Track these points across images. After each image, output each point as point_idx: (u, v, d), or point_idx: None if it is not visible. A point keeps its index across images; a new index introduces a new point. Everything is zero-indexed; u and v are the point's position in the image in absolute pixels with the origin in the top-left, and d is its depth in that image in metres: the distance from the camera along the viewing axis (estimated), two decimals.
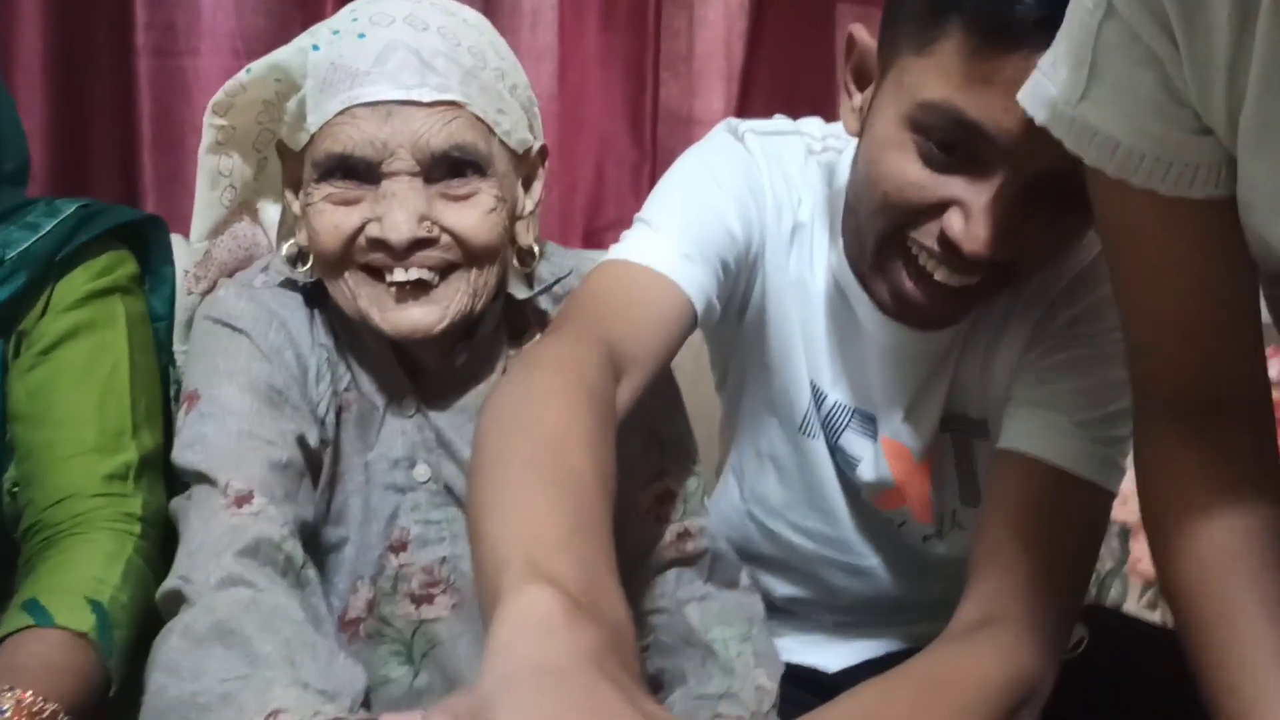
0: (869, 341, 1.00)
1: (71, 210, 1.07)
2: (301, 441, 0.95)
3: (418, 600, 1.00)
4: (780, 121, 1.05)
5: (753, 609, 1.04)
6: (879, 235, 0.89)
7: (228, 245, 1.06)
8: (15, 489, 1.03)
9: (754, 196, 0.98)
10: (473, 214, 0.93)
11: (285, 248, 1.01)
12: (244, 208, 1.07)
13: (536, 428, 0.69)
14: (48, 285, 1.04)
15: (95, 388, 1.04)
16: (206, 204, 1.04)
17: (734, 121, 1.04)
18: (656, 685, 1.01)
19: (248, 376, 0.95)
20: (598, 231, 1.81)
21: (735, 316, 1.04)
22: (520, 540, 0.59)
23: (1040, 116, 0.74)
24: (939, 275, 0.87)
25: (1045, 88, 0.73)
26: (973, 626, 0.89)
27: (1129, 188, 0.71)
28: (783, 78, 1.84)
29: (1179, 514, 0.75)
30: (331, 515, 0.99)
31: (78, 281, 1.05)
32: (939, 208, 0.85)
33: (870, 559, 1.11)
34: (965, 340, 1.00)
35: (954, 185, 0.84)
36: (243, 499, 0.90)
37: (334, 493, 1.00)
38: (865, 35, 0.93)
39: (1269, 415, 0.77)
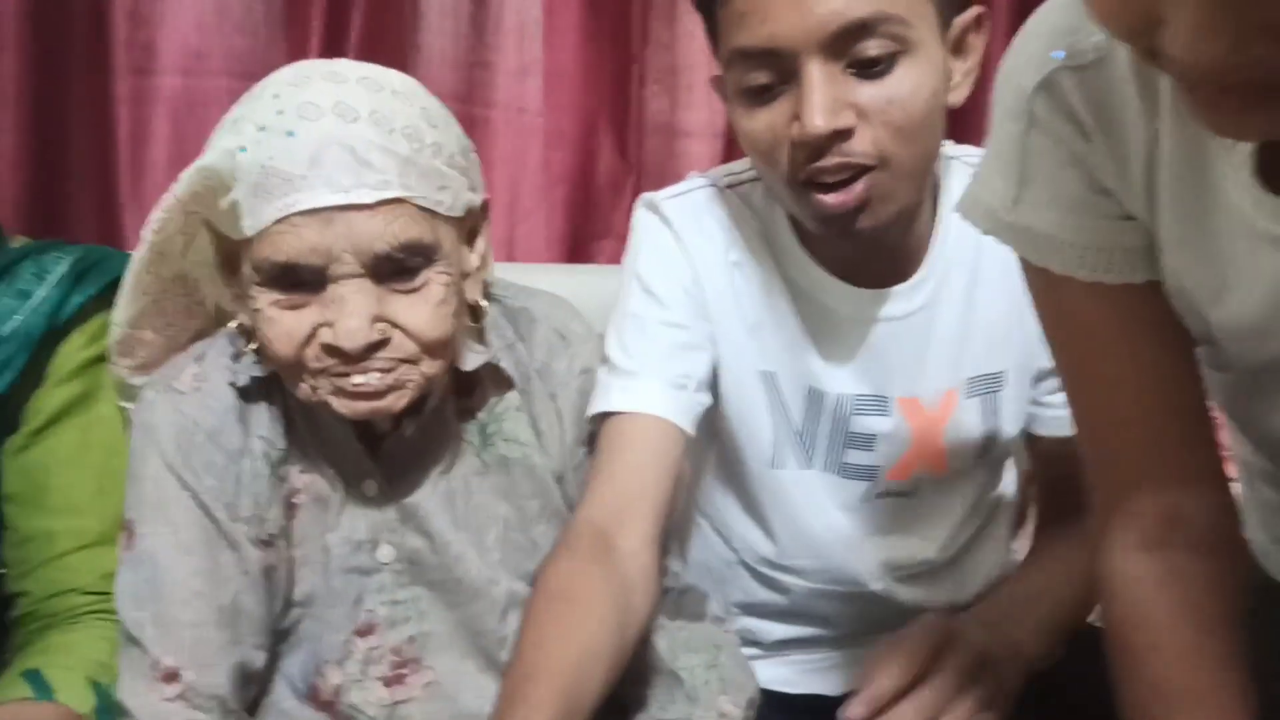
0: (841, 322, 1.05)
1: (65, 269, 1.04)
2: (243, 561, 0.95)
3: (389, 683, 1.00)
4: (689, 180, 1.12)
5: (721, 637, 1.04)
6: (783, 182, 0.96)
7: (155, 326, 1.02)
8: (2, 570, 1.02)
9: (693, 290, 1.05)
10: (424, 309, 0.91)
11: (231, 329, 0.99)
12: (176, 282, 1.02)
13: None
14: (45, 359, 1.03)
15: (92, 472, 1.02)
16: (130, 298, 0.99)
17: (648, 196, 1.10)
18: (622, 712, 1.01)
19: (178, 511, 0.94)
20: (583, 245, 1.80)
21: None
22: None
23: (982, 226, 0.77)
24: (829, 177, 0.93)
25: (982, 198, 0.76)
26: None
27: (1075, 285, 0.73)
28: None
29: (1145, 644, 0.76)
30: (294, 599, 1.00)
31: (73, 348, 1.04)
32: (789, 133, 0.93)
33: (868, 583, 1.12)
34: (961, 317, 1.05)
35: (785, 106, 0.93)
36: (170, 676, 0.91)
37: (293, 578, 1.00)
38: (714, 77, 1.02)
39: (1237, 540, 0.78)
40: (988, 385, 1.07)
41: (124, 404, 1.05)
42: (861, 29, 0.89)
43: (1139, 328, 0.73)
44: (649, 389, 1.00)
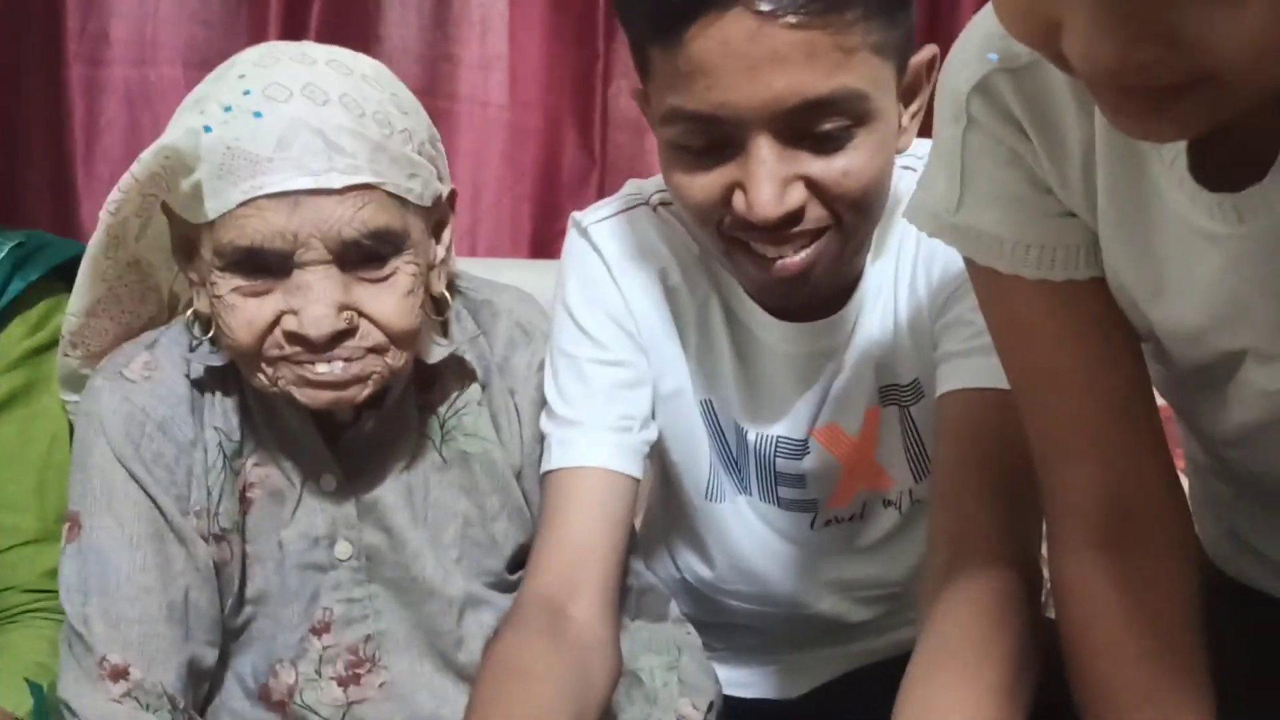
0: (772, 356, 1.01)
1: (3, 255, 1.01)
2: (193, 556, 0.94)
3: (344, 683, 0.98)
4: (621, 197, 1.05)
5: (683, 639, 1.02)
6: (713, 242, 0.92)
7: (111, 313, 0.99)
8: None
9: (628, 324, 0.99)
10: (392, 298, 0.90)
11: (186, 317, 0.97)
12: (130, 268, 0.99)
13: None
14: None
15: (32, 467, 1.00)
16: (87, 285, 0.97)
17: (577, 217, 1.04)
18: None
19: (126, 503, 0.92)
20: (547, 240, 1.80)
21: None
22: None
23: (927, 229, 0.77)
24: (770, 253, 0.89)
25: (926, 202, 0.77)
26: (945, 569, 0.86)
27: (1021, 284, 0.73)
28: None
29: (1101, 644, 0.75)
30: (246, 596, 0.98)
31: (13, 338, 1.01)
32: (729, 197, 0.87)
33: (813, 605, 1.09)
34: (877, 332, 1.00)
35: (728, 172, 0.87)
36: (117, 674, 0.89)
37: (246, 574, 0.97)
38: (638, 89, 0.95)
39: (1189, 538, 0.78)
40: (910, 394, 1.02)
41: (68, 396, 1.02)
42: (820, 106, 0.83)
43: (1085, 325, 0.73)
44: (592, 440, 0.95)
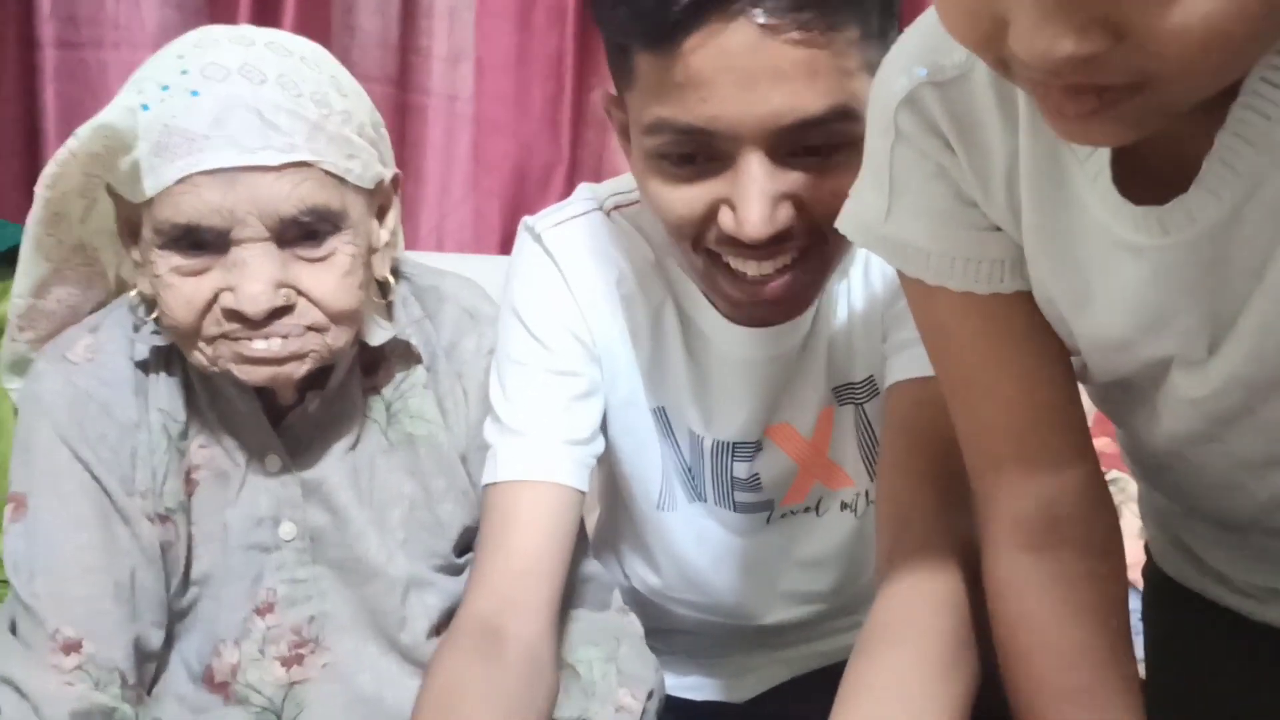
0: (726, 361, 1.00)
1: None
2: (138, 537, 0.94)
3: (287, 663, 0.98)
4: (574, 201, 1.03)
5: (623, 628, 1.02)
6: (688, 255, 0.90)
7: (58, 295, 0.98)
8: None
9: (581, 332, 0.98)
10: (331, 277, 0.90)
11: (131, 299, 0.97)
12: (76, 251, 0.98)
13: None
14: None
15: None
16: (31, 263, 0.97)
17: (529, 221, 1.02)
18: None
19: (71, 483, 0.93)
20: (515, 237, 1.79)
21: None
22: None
23: (857, 240, 0.78)
24: (750, 270, 0.87)
25: (857, 212, 0.77)
26: (889, 552, 0.86)
27: (948, 295, 0.74)
28: None
29: (1031, 644, 0.76)
30: (191, 577, 0.98)
31: None
32: (714, 213, 0.85)
33: (762, 616, 1.09)
34: (831, 332, 1.00)
35: (714, 187, 0.84)
36: (70, 646, 0.89)
37: (191, 555, 0.98)
38: (608, 94, 0.94)
39: (1116, 540, 0.79)
40: (864, 392, 1.01)
41: (11, 383, 1.02)
42: (815, 124, 0.81)
43: (1010, 338, 0.74)
44: (539, 451, 0.93)
